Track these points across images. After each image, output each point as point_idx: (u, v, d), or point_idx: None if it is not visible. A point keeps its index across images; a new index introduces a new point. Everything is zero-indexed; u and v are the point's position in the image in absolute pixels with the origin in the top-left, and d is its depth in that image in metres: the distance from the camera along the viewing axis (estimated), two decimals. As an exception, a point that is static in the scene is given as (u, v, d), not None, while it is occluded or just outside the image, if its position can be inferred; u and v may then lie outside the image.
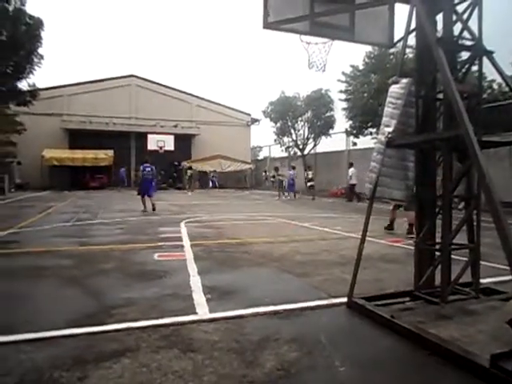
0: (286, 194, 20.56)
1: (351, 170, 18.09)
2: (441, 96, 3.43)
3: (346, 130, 22.71)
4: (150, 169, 12.52)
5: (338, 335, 2.98)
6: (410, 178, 3.60)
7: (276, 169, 23.09)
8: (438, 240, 3.49)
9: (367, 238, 3.61)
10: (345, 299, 3.55)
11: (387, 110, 3.38)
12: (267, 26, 3.74)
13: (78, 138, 29.16)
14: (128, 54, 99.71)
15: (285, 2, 3.80)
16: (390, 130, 3.30)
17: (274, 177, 22.93)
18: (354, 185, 18.01)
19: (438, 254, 3.45)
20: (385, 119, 3.39)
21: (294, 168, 21.67)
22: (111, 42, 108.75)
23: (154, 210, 12.07)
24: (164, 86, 32.85)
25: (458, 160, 3.31)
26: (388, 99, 3.40)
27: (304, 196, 21.45)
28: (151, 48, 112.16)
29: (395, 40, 4.18)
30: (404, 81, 3.38)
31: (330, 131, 26.17)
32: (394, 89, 3.38)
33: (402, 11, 3.75)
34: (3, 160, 23.34)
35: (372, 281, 4.32)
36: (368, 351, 2.72)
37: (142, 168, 12.57)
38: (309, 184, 20.50)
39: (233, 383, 2.24)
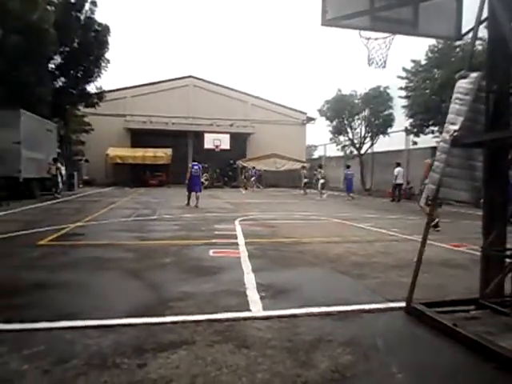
0: (323, 192, 20.22)
1: (397, 170, 18.18)
2: (515, 91, 3.19)
3: (406, 128, 21.73)
4: (197, 167, 13.76)
5: (395, 341, 2.87)
6: (478, 178, 3.37)
7: (320, 166, 23.28)
8: (508, 246, 3.24)
9: (428, 241, 3.44)
10: (402, 304, 3.41)
11: (453, 106, 3.19)
12: (326, 23, 3.68)
13: (139, 137, 30.60)
14: (186, 54, 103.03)
15: (344, -2, 3.72)
16: (456, 127, 3.11)
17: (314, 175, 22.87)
18: (399, 184, 18.21)
19: (508, 260, 3.21)
20: (450, 116, 3.20)
21: (348, 167, 21.30)
22: (170, 43, 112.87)
23: (196, 206, 12.98)
24: (220, 85, 33.50)
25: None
26: (455, 95, 3.20)
27: (360, 196, 20.89)
28: (208, 47, 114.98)
29: (463, 32, 3.93)
30: (473, 75, 3.16)
31: (389, 130, 25.22)
32: (462, 84, 3.18)
33: (471, 0, 3.53)
34: (74, 158, 25.10)
35: (432, 286, 4.11)
36: (428, 359, 2.58)
37: (191, 166, 13.80)
38: (320, 182, 20.74)
39: (286, 382, 2.23)
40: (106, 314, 3.16)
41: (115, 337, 2.77)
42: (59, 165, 17.16)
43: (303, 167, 23.91)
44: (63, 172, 17.83)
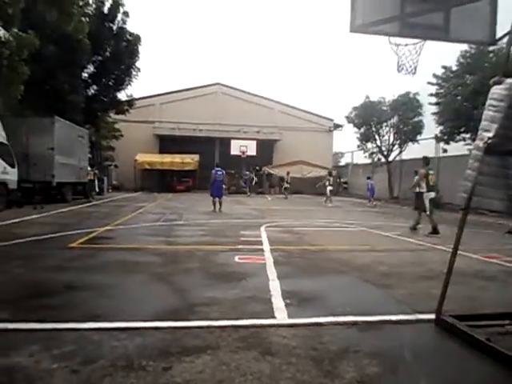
0: (330, 200, 20.10)
1: (417, 178, 17.34)
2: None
3: (436, 135, 21.22)
4: (220, 172, 13.91)
5: (423, 353, 2.78)
6: (513, 187, 3.24)
7: (330, 173, 23.23)
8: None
9: (459, 252, 3.33)
10: (431, 316, 3.31)
11: (487, 113, 3.09)
12: (355, 29, 3.65)
13: (167, 144, 31.17)
14: (214, 62, 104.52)
15: (373, 4, 3.68)
16: (490, 134, 3.01)
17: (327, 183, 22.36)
18: (420, 193, 17.39)
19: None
20: (484, 123, 3.10)
21: (369, 178, 21.89)
22: (199, 51, 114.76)
23: (220, 210, 13.35)
24: (247, 92, 33.76)
25: None
26: (488, 101, 3.10)
27: (388, 205, 20.49)
28: (236, 54, 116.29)
29: (498, 36, 3.81)
30: (508, 81, 3.06)
31: (418, 137, 24.70)
32: (497, 90, 3.08)
33: (506, 3, 3.43)
34: (104, 163, 25.83)
35: (464, 299, 3.97)
36: (458, 374, 2.50)
37: (214, 172, 13.87)
38: (328, 189, 20.84)
39: (310, 392, 2.20)
40: (132, 317, 3.22)
41: (141, 339, 2.81)
42: (96, 171, 18.55)
43: (329, 173, 23.61)
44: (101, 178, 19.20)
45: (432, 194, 9.42)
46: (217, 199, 13.63)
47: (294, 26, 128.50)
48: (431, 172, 9.69)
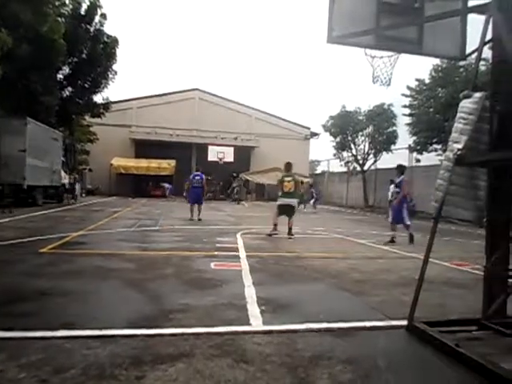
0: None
1: (392, 187, 17.74)
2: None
3: (409, 145, 21.85)
4: (199, 177, 13.00)
5: (395, 359, 2.83)
6: (481, 197, 3.37)
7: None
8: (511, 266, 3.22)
9: (430, 260, 3.42)
10: (404, 322, 3.38)
11: (457, 125, 3.20)
12: (331, 40, 3.73)
13: (144, 148, 30.78)
14: (193, 68, 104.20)
15: (350, 17, 3.78)
16: (460, 146, 3.12)
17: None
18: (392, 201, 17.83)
19: (511, 281, 3.18)
20: (454, 135, 3.22)
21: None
22: (177, 56, 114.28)
23: (199, 219, 12.44)
24: (225, 99, 33.80)
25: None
26: (459, 114, 3.22)
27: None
28: (215, 61, 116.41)
29: (467, 52, 3.98)
30: (477, 95, 3.19)
31: (392, 147, 25.33)
32: (466, 103, 3.20)
33: (475, 21, 3.58)
34: (78, 167, 25.25)
35: (435, 305, 4.07)
36: (428, 379, 2.56)
37: (191, 177, 13.14)
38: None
39: (285, 399, 2.20)
40: (105, 324, 3.14)
41: (114, 347, 2.75)
42: (76, 175, 18.40)
43: (302, 182, 23.54)
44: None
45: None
46: (195, 206, 12.77)
47: (273, 36, 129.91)
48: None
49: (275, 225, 9.47)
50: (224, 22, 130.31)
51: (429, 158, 20.78)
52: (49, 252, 6.23)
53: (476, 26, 3.35)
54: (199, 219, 12.49)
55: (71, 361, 2.51)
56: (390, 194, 17.62)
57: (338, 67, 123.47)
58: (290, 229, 9.34)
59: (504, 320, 3.15)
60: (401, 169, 9.66)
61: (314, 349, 2.88)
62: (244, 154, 32.00)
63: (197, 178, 13.03)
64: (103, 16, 20.18)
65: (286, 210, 9.43)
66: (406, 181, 9.58)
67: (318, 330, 3.25)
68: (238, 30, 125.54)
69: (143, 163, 29.22)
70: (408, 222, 9.24)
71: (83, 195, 24.63)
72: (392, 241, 8.95)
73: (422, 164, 21.58)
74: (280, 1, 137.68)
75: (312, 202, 20.66)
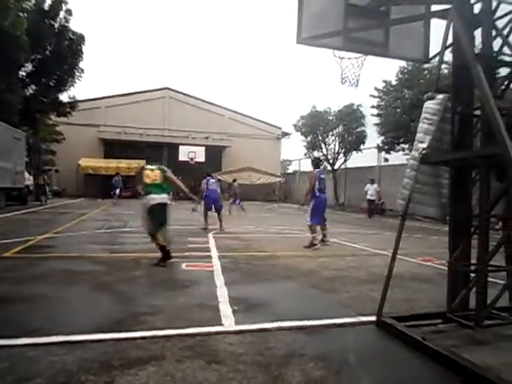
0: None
1: (367, 186, 18.31)
2: (478, 112, 3.35)
3: (378, 145, 22.38)
4: (214, 180, 11.10)
5: (366, 355, 2.90)
6: (444, 195, 3.50)
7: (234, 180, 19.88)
8: (473, 261, 3.35)
9: (398, 256, 3.52)
10: (373, 318, 3.46)
11: (422, 125, 3.31)
12: (301, 41, 3.78)
13: (113, 148, 30.10)
14: (163, 67, 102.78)
15: (318, 18, 3.83)
16: (425, 145, 3.23)
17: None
18: (371, 200, 18.20)
19: (472, 275, 3.32)
20: (419, 135, 3.33)
21: (234, 181, 19.56)
22: (147, 55, 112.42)
23: (221, 229, 10.33)
24: (197, 98, 33.52)
25: (497, 178, 3.19)
26: (423, 115, 3.33)
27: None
28: (185, 60, 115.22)
29: (430, 55, 4.11)
30: (440, 96, 3.31)
31: (361, 146, 25.86)
32: (430, 104, 3.32)
33: (438, 26, 3.71)
34: (43, 168, 24.41)
35: (402, 300, 4.19)
36: (397, 373, 2.63)
37: (205, 180, 10.89)
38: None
39: (257, 398, 2.21)
40: (72, 330, 3.05)
41: (81, 353, 2.68)
42: (45, 176, 19.59)
43: (234, 180, 19.92)
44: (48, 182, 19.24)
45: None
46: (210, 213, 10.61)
47: (244, 36, 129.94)
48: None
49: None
50: (195, 20, 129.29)
51: (397, 157, 21.38)
52: (12, 256, 5.99)
53: (438, 31, 3.47)
54: (221, 229, 10.32)
55: (36, 369, 2.43)
56: (369, 192, 17.87)
57: (308, 67, 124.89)
58: (165, 254, 5.71)
59: (467, 313, 3.28)
60: (315, 161, 8.78)
61: (286, 347, 2.90)
62: (215, 154, 31.84)
63: (212, 180, 10.96)
64: (68, 12, 19.59)
65: (159, 215, 5.82)
66: (310, 173, 8.51)
67: (290, 328, 3.29)
68: (209, 29, 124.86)
69: (112, 164, 28.52)
70: (309, 223, 8.11)
71: (50, 197, 23.81)
72: (313, 244, 7.86)
73: (390, 163, 22.16)
74: (251, 1, 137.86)
75: (233, 201, 17.95)
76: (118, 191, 22.67)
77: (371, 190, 17.97)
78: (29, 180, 18.94)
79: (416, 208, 3.40)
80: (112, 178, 23.80)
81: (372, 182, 18.54)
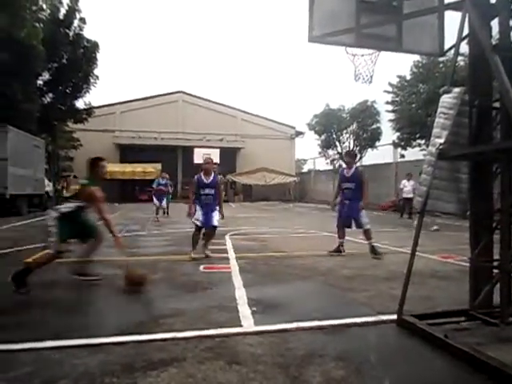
0: None
1: (402, 182, 15.99)
2: (497, 105, 3.27)
3: (394, 141, 22.11)
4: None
5: (387, 354, 2.86)
6: (464, 190, 3.43)
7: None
8: (495, 257, 3.28)
9: (417, 253, 3.46)
10: (393, 316, 3.42)
11: (438, 120, 3.25)
12: (312, 39, 3.76)
13: (128, 153, 30.54)
14: (176, 70, 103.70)
15: (330, 16, 3.80)
16: (442, 141, 3.17)
17: None
18: (408, 199, 14.85)
19: (495, 271, 3.24)
20: (436, 130, 3.27)
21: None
22: (160, 59, 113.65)
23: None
24: (210, 100, 33.74)
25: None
26: (439, 109, 3.27)
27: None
28: (198, 62, 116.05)
29: (445, 48, 4.04)
30: (456, 90, 3.25)
31: (377, 143, 25.62)
32: (446, 98, 3.26)
33: (452, 18, 3.64)
34: (62, 174, 24.91)
35: (423, 298, 4.12)
36: (420, 372, 2.58)
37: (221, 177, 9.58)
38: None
39: (278, 398, 2.21)
40: (94, 333, 3.10)
41: (104, 356, 2.71)
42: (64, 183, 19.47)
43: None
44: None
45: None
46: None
47: (256, 36, 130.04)
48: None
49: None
50: (207, 23, 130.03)
51: (413, 153, 21.08)
52: (34, 261, 6.11)
53: (454, 22, 3.41)
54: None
55: (60, 372, 2.48)
56: (406, 190, 14.87)
57: (321, 65, 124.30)
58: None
59: (490, 310, 3.21)
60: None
61: (306, 347, 2.89)
62: (230, 156, 31.98)
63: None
64: (82, 20, 19.98)
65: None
66: (362, 172, 7.45)
67: (310, 329, 3.27)
68: (222, 31, 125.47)
69: (128, 168, 28.95)
70: (368, 226, 7.09)
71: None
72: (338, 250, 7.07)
73: (406, 159, 21.85)
74: (263, 1, 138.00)
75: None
76: (164, 202, 14.98)
77: (408, 186, 15.01)
78: (48, 186, 19.31)
79: (435, 204, 3.34)
80: (150, 183, 17.64)
81: (409, 177, 15.51)
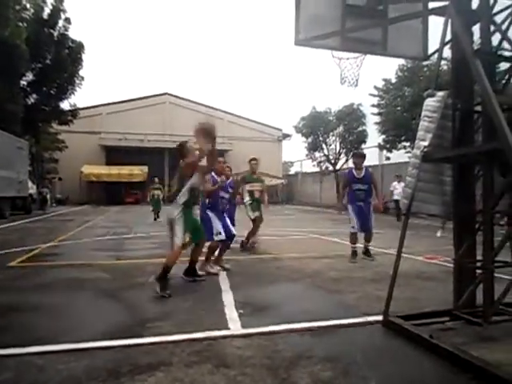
0: None
1: (394, 184, 15.93)
2: (479, 108, 3.34)
3: (379, 144, 22.35)
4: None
5: (373, 355, 2.88)
6: (448, 193, 3.49)
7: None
8: (479, 257, 3.34)
9: (403, 255, 3.51)
10: (380, 317, 3.45)
11: (422, 123, 3.31)
12: (298, 42, 3.79)
13: (114, 155, 30.22)
14: (163, 72, 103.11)
15: (316, 19, 3.84)
16: (426, 143, 3.22)
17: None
18: (398, 200, 14.66)
19: (479, 271, 3.30)
20: (420, 133, 3.32)
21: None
22: (146, 60, 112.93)
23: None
24: (197, 102, 33.64)
25: (501, 174, 3.18)
26: (423, 113, 3.33)
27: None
28: (184, 65, 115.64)
29: (429, 52, 4.11)
30: (440, 93, 3.31)
31: (363, 146, 25.84)
32: (430, 102, 3.31)
33: (436, 23, 3.71)
34: (46, 176, 24.54)
35: (408, 299, 4.17)
36: (406, 372, 2.61)
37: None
38: None
39: (266, 401, 2.21)
40: (80, 337, 3.06)
41: (90, 361, 2.68)
42: (49, 185, 19.25)
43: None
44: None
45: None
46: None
47: (242, 38, 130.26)
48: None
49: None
50: (194, 25, 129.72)
51: (398, 156, 21.35)
52: (18, 266, 6.01)
53: (437, 27, 3.47)
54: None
55: (45, 377, 2.44)
56: (396, 192, 14.55)
57: (307, 68, 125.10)
58: None
59: (474, 309, 3.27)
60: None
61: (294, 349, 2.90)
62: (217, 158, 31.87)
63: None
64: (67, 20, 19.77)
65: None
66: (373, 173, 7.27)
67: (297, 330, 3.28)
68: (209, 33, 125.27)
69: (114, 170, 28.69)
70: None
71: (53, 205, 23.91)
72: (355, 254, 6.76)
73: (391, 161, 22.12)
74: (249, 3, 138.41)
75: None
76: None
77: (399, 188, 14.44)
78: (32, 189, 19.02)
79: (420, 206, 3.39)
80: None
81: (399, 179, 15.25)
